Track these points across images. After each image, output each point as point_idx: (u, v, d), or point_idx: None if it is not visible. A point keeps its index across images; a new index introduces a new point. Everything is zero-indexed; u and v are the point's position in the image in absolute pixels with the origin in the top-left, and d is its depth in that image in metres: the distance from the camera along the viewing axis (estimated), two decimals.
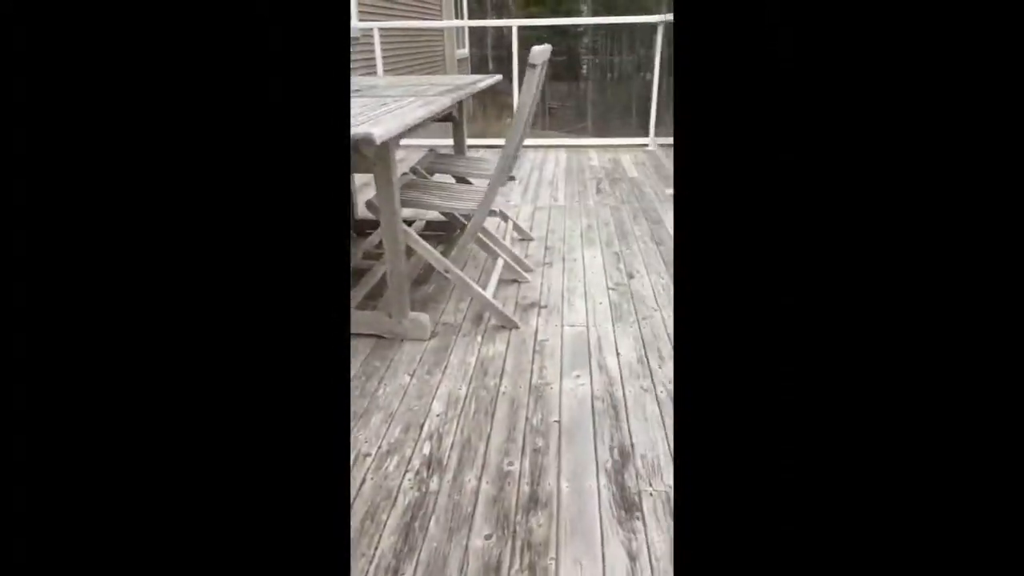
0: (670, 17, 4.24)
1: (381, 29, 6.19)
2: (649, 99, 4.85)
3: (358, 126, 1.45)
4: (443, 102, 1.96)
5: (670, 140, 4.05)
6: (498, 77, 3.46)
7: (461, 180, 2.43)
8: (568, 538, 1.09)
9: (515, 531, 1.11)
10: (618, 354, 1.74)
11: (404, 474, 1.27)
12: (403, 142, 2.21)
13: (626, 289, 2.18)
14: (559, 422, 1.43)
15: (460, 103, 2.66)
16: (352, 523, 1.14)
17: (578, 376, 1.63)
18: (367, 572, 1.03)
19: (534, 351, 1.76)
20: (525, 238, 2.74)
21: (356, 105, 1.90)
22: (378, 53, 5.43)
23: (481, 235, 2.15)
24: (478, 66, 15.82)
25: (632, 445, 1.35)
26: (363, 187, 3.53)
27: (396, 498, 1.20)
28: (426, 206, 1.95)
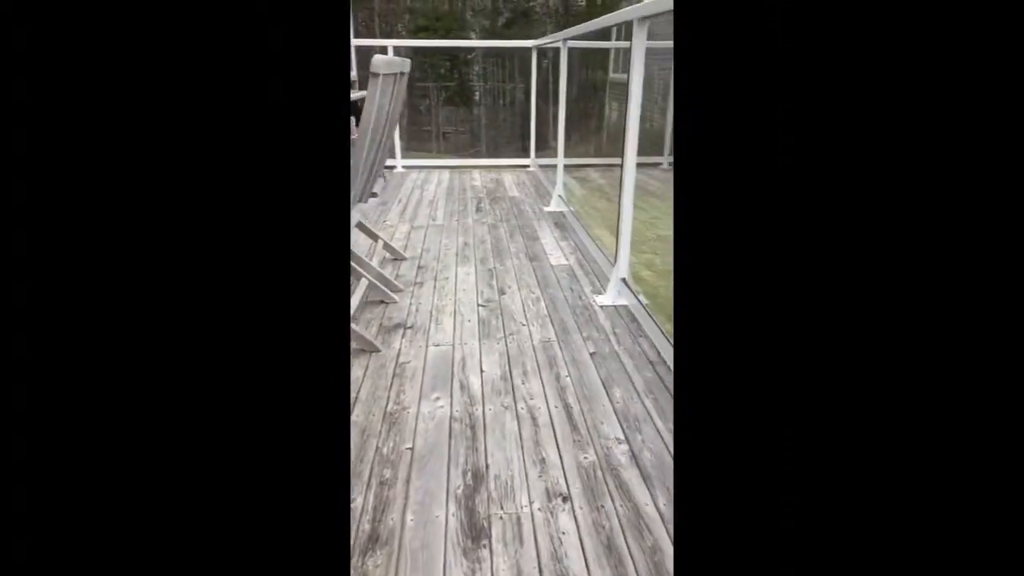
0: (541, 42, 4.35)
1: None
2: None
3: None
4: None
5: (551, 160, 4.13)
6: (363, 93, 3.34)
7: None
8: None
9: None
10: (482, 372, 1.67)
11: None
12: None
13: (496, 305, 2.13)
14: (412, 449, 1.33)
15: None
16: None
17: (437, 398, 1.54)
18: None
19: (393, 374, 1.66)
20: (397, 257, 2.64)
21: None
22: None
23: None
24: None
25: (486, 466, 1.28)
26: None
27: None
28: None
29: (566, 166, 3.70)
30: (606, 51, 6.49)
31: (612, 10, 6.38)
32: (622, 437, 1.38)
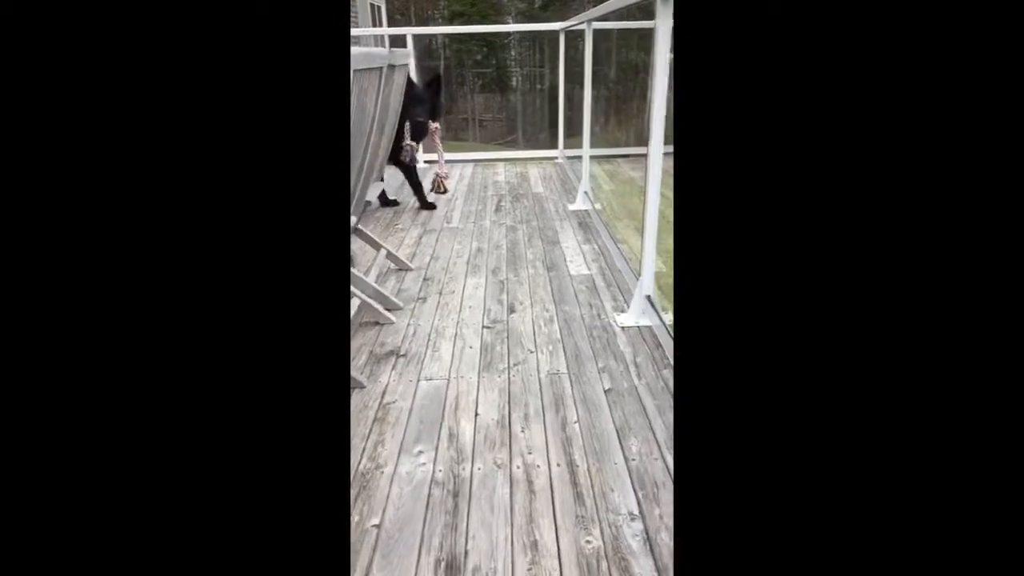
0: (568, 24, 4.05)
1: None
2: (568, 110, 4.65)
3: None
4: None
5: (577, 152, 3.84)
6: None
7: None
8: None
9: None
10: (476, 415, 1.44)
11: None
12: None
13: (503, 327, 1.90)
14: (379, 527, 1.12)
15: None
16: None
17: (420, 452, 1.32)
18: None
19: (375, 418, 1.44)
20: (402, 268, 2.43)
21: None
22: None
23: None
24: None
25: (465, 553, 1.05)
26: None
27: None
28: None
29: (594, 157, 3.41)
30: (649, 31, 6.11)
31: None
32: (635, 511, 1.13)
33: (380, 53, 1.77)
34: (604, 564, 1.02)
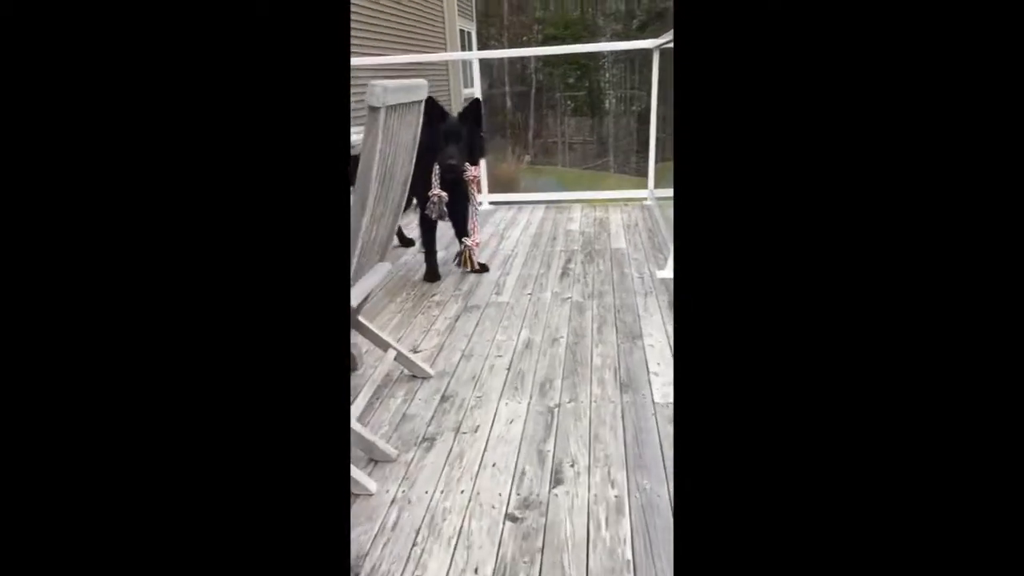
0: (661, 41, 3.30)
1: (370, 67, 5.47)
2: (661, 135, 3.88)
3: None
4: None
5: (669, 192, 3.05)
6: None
7: None
8: None
9: None
10: None
11: None
12: None
13: (538, 517, 1.17)
14: None
15: None
16: None
17: None
18: None
19: None
20: (420, 375, 1.76)
21: None
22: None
23: None
24: (494, 107, 15.16)
25: None
26: None
27: None
28: None
29: None
30: None
31: None
32: None
33: (402, 85, 1.16)
34: None
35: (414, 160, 1.54)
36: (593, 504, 1.20)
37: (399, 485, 1.29)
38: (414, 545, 1.12)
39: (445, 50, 9.61)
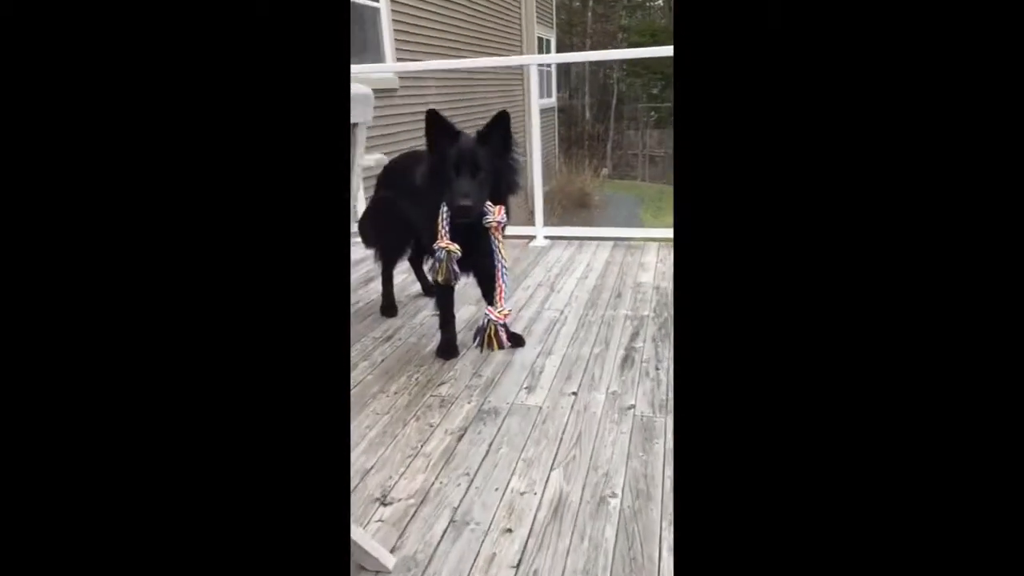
0: None
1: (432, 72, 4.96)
2: None
3: None
4: None
5: None
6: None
7: None
8: None
9: None
10: None
11: None
12: None
13: None
14: None
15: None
16: None
17: None
18: None
19: None
20: (370, 570, 1.08)
21: None
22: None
23: None
24: (572, 117, 14.45)
25: None
26: None
27: None
28: None
29: None
30: None
31: None
32: None
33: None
34: None
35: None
36: None
37: None
38: None
39: (522, 53, 9.02)
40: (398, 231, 2.14)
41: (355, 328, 2.18)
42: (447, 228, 1.65)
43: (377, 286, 2.39)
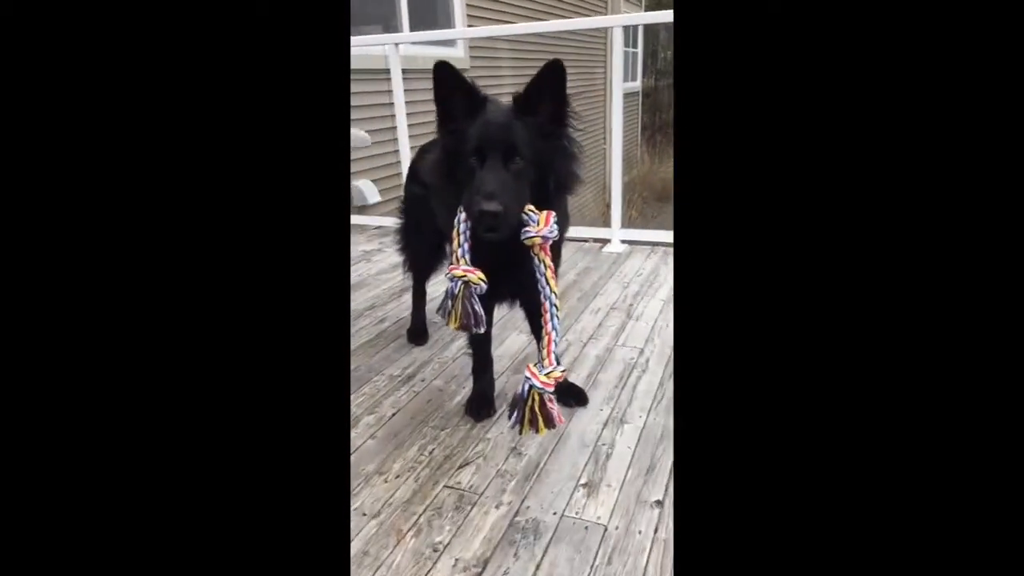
0: None
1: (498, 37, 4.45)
2: None
3: None
4: None
5: None
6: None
7: None
8: None
9: None
10: None
11: None
12: None
13: None
14: None
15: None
16: None
17: None
18: None
19: None
20: None
21: None
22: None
23: None
24: (657, 103, 13.48)
25: None
26: None
27: None
28: None
29: None
30: None
31: None
32: None
33: None
34: None
35: None
36: None
37: None
38: None
39: (603, 40, 8.31)
40: (429, 237, 1.62)
41: (372, 360, 1.70)
42: (466, 247, 1.08)
43: (411, 298, 1.89)
